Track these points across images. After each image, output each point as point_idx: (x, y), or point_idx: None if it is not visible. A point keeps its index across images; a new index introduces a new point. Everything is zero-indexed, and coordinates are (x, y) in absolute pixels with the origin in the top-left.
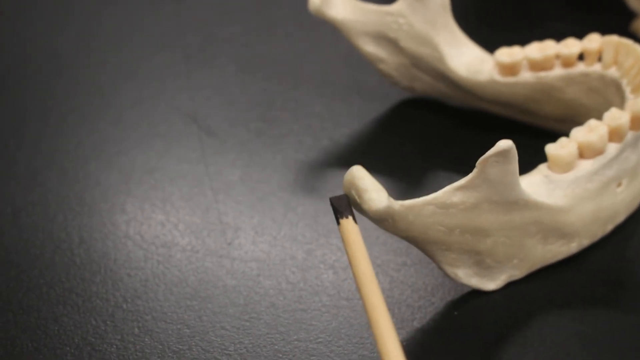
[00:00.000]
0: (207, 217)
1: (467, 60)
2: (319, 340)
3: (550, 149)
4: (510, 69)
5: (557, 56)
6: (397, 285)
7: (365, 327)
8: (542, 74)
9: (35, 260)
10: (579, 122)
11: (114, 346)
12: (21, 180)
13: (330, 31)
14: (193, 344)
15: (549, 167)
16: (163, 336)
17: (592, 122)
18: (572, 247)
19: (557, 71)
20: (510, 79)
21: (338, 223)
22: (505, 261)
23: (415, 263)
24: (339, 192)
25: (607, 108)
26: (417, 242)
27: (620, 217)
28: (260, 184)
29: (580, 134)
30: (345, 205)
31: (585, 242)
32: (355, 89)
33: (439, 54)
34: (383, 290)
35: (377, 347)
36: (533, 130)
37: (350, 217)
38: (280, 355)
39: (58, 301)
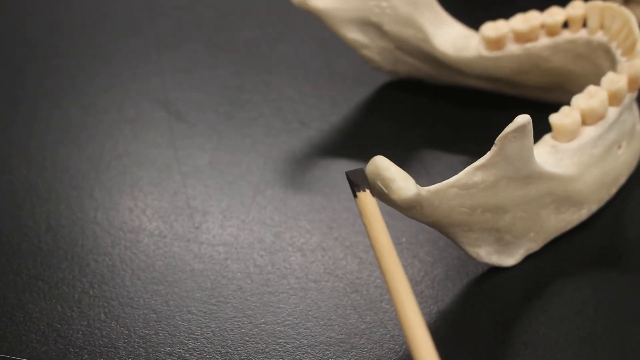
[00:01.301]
0: (175, 202)
1: (452, 38)
2: (287, 322)
3: (554, 118)
4: (496, 43)
5: (542, 26)
6: (366, 267)
7: (332, 309)
8: (529, 45)
9: (2, 248)
10: (568, 89)
11: (80, 332)
12: None
13: (302, 14)
14: (159, 328)
15: (554, 137)
16: (129, 321)
17: (591, 88)
18: (583, 213)
19: (543, 41)
20: (497, 53)
21: (355, 196)
22: (523, 235)
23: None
24: (308, 175)
25: (595, 73)
26: (441, 226)
27: (623, 179)
28: (229, 168)
29: (581, 101)
30: (362, 179)
31: (594, 207)
32: (327, 72)
33: (424, 35)
34: (352, 272)
35: (399, 318)
36: (521, 102)
37: (368, 190)
38: (247, 338)
39: (24, 288)
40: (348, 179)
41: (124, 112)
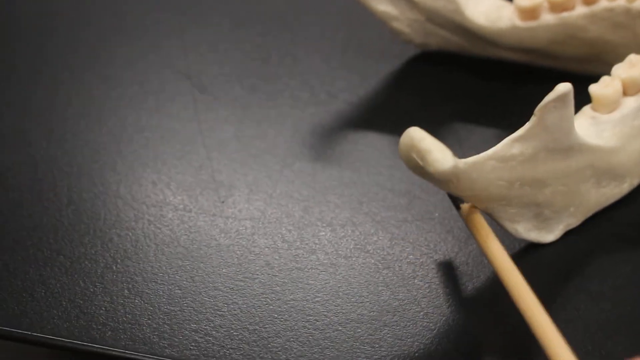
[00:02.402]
0: (200, 175)
1: (484, 8)
2: (316, 299)
3: (594, 89)
4: (530, 13)
5: None
6: (398, 242)
7: (364, 285)
8: (565, 14)
9: (23, 221)
10: (605, 60)
11: (103, 308)
12: (8, 140)
13: None
14: (185, 305)
15: (594, 109)
16: (154, 297)
17: (632, 57)
18: (624, 187)
19: (580, 10)
20: (531, 24)
21: (458, 208)
22: (562, 210)
23: (416, 219)
24: (337, 149)
25: (635, 43)
26: (479, 200)
27: None
28: (255, 141)
29: (622, 71)
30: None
31: (636, 181)
32: (354, 44)
33: (455, 5)
34: (383, 248)
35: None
36: (554, 74)
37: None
38: (276, 315)
39: (45, 263)
40: (449, 195)
41: (147, 84)
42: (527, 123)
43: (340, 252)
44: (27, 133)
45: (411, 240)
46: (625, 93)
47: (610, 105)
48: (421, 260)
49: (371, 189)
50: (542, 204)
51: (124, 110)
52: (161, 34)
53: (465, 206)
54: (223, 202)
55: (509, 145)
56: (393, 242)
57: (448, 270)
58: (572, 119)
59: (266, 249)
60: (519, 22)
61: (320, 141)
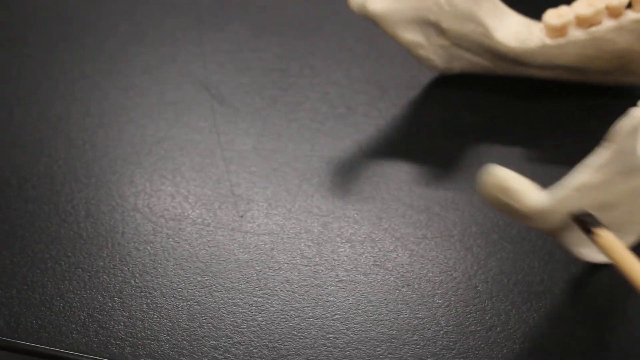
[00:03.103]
0: (219, 189)
1: (513, 29)
2: (336, 317)
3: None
4: (560, 30)
5: (606, 8)
6: (417, 259)
7: (383, 303)
8: (593, 29)
9: (41, 234)
10: (631, 70)
11: (122, 323)
12: (27, 151)
13: None
14: (204, 321)
15: None
16: (173, 313)
17: None
18: None
19: (607, 23)
20: (560, 41)
21: (591, 232)
22: (624, 229)
23: (435, 236)
24: (356, 163)
25: None
26: (554, 231)
27: None
28: (274, 154)
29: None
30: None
31: None
32: (374, 56)
33: (484, 28)
34: (402, 265)
35: None
36: (575, 87)
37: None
38: (295, 332)
39: (64, 276)
40: (578, 219)
41: (165, 94)
42: (604, 150)
43: (359, 268)
44: (46, 144)
45: (430, 258)
46: None
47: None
48: (440, 278)
49: (390, 204)
50: (610, 226)
51: (142, 121)
52: (180, 45)
53: (599, 231)
54: (242, 216)
55: (589, 174)
56: (412, 259)
57: (467, 289)
58: (638, 140)
59: (285, 264)
60: (548, 41)
61: (339, 155)
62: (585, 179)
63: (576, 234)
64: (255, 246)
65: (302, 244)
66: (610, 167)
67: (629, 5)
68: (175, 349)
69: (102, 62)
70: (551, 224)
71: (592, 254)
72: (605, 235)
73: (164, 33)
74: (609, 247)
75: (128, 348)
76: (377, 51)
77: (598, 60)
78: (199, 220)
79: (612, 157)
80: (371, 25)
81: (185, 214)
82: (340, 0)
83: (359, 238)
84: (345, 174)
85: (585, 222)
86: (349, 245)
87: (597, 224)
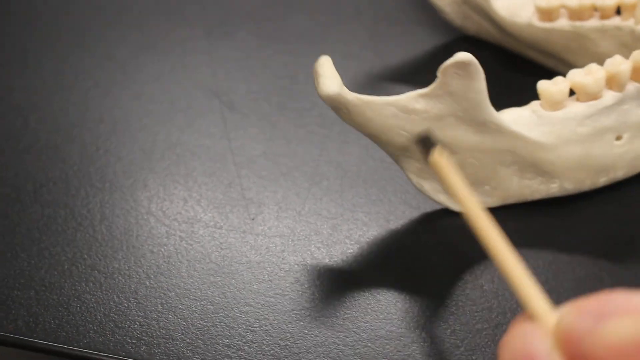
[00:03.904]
0: (230, 193)
1: (509, 2)
2: (346, 316)
3: (542, 84)
4: (548, 14)
5: (595, 8)
6: (424, 260)
7: (392, 302)
8: (578, 23)
9: (57, 237)
10: None
11: (137, 323)
12: (42, 157)
13: (353, 3)
14: (217, 320)
15: (540, 104)
16: (187, 313)
17: (592, 66)
18: (552, 187)
19: (593, 22)
20: (547, 25)
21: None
22: (475, 185)
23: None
24: (363, 166)
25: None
26: (380, 141)
27: (618, 173)
28: (284, 159)
29: (576, 75)
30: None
31: (569, 186)
32: (379, 63)
33: None
34: (410, 265)
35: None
36: None
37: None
38: (306, 331)
39: (80, 278)
40: (420, 139)
41: (176, 101)
42: (433, 83)
43: (368, 269)
44: (60, 150)
45: (437, 258)
46: (577, 98)
47: (554, 104)
48: (447, 277)
49: (398, 207)
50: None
51: (154, 128)
52: (189, 53)
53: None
54: (253, 219)
55: (413, 98)
56: (419, 260)
57: (474, 288)
58: (483, 93)
59: (296, 265)
60: (536, 21)
61: (347, 159)
62: (405, 100)
63: (415, 163)
64: (266, 248)
65: (312, 246)
66: (441, 105)
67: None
68: (190, 348)
69: (114, 71)
70: (361, 127)
71: (435, 193)
72: (441, 156)
73: (173, 42)
74: (441, 167)
75: (144, 347)
76: (382, 58)
77: (582, 57)
78: (211, 223)
79: (440, 94)
80: (377, 33)
81: (198, 217)
82: (344, 9)
83: (368, 240)
84: (353, 177)
85: (426, 143)
86: (358, 246)
87: (435, 144)
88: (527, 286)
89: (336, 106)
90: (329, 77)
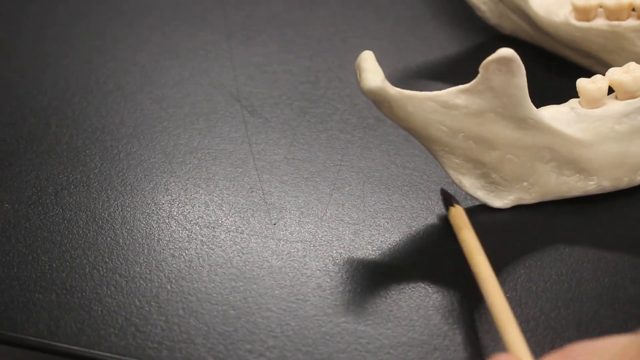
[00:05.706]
0: (252, 197)
1: (547, 1)
2: (368, 322)
3: (581, 82)
4: (584, 13)
5: (633, 7)
6: (447, 267)
7: (414, 309)
8: (615, 22)
9: (79, 240)
10: None
11: (159, 327)
12: (63, 160)
13: (375, 9)
14: (239, 325)
15: (579, 101)
16: (208, 317)
17: (631, 64)
18: (590, 185)
19: (631, 22)
20: (583, 24)
21: (447, 209)
22: (514, 181)
23: None
24: (385, 172)
25: None
26: (420, 137)
27: None
28: (305, 164)
29: (615, 74)
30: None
31: (607, 184)
32: (401, 68)
33: None
34: (432, 271)
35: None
36: None
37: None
38: (328, 337)
39: (101, 282)
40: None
41: (197, 106)
42: (475, 79)
43: (390, 275)
44: (82, 153)
45: (460, 266)
46: (616, 96)
47: (592, 102)
48: (470, 285)
49: (420, 213)
50: (488, 165)
51: (175, 132)
52: (211, 58)
53: (455, 209)
54: (275, 224)
55: (453, 93)
56: (442, 266)
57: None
58: (523, 89)
59: (317, 271)
60: (573, 21)
61: (369, 165)
62: (446, 95)
63: (455, 159)
64: (288, 253)
65: (334, 251)
66: (481, 101)
67: None
68: (212, 353)
69: (135, 75)
70: (402, 122)
71: (473, 189)
72: (458, 211)
73: (195, 47)
74: (457, 222)
75: (165, 351)
76: (403, 64)
77: (619, 57)
78: (233, 227)
79: (480, 90)
80: (397, 37)
81: (219, 221)
82: (365, 15)
83: (389, 246)
84: (375, 183)
85: (446, 198)
86: (380, 252)
87: (455, 201)
88: (514, 336)
89: (378, 100)
90: (372, 72)
